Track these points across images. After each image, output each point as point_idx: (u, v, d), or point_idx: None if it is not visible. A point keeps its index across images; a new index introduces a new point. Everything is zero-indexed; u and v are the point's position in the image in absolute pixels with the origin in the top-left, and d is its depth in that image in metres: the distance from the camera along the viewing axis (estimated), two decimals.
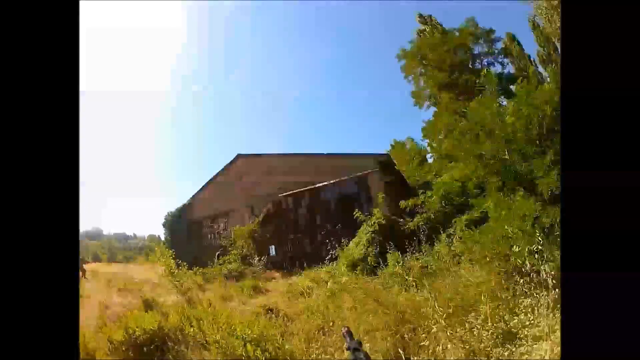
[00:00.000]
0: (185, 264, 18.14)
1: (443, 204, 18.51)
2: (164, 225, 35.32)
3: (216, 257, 26.31)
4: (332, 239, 20.77)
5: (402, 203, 19.96)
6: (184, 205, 34.43)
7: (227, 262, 25.01)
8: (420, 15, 37.77)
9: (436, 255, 14.13)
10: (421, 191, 20.42)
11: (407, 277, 12.56)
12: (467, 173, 17.16)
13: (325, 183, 24.84)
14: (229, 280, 20.27)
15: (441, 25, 36.77)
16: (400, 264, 13.99)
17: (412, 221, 18.60)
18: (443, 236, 15.54)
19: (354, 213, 19.91)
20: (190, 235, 31.96)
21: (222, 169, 31.71)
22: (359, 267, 16.46)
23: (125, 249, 68.75)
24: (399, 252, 14.95)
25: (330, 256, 20.24)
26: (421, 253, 14.92)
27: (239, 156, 30.70)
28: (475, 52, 35.33)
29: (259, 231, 26.89)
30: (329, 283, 14.94)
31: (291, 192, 26.51)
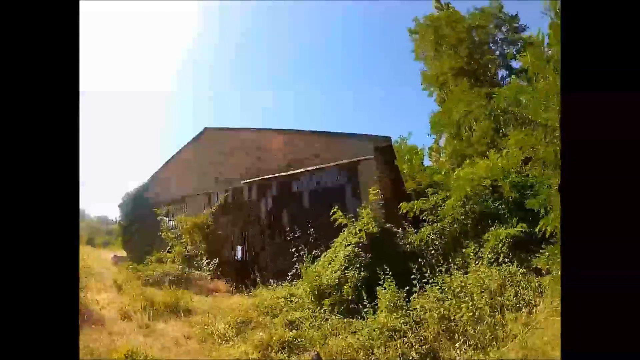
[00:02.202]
0: None
1: (467, 210, 11.96)
2: (119, 207, 28.37)
3: (167, 252, 19.65)
4: (300, 247, 13.89)
5: (404, 206, 13.34)
6: (142, 186, 27.37)
7: (166, 260, 18.58)
8: (437, 0, 31.22)
9: (462, 293, 8.13)
10: (431, 191, 13.98)
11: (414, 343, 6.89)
12: (509, 161, 11.80)
13: (300, 170, 17.65)
14: (161, 285, 14.45)
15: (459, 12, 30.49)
16: (400, 308, 8.20)
17: (416, 233, 12.18)
18: (471, 260, 9.51)
19: (332, 211, 13.07)
20: (143, 222, 24.49)
21: (186, 144, 24.79)
22: (327, 300, 9.98)
23: (107, 233, 61.75)
24: (397, 285, 8.73)
25: (296, 271, 13.53)
26: (435, 286, 8.72)
27: (206, 129, 23.74)
28: (497, 37, 29.35)
29: (210, 226, 19.72)
30: (256, 334, 8.49)
31: (254, 179, 19.39)
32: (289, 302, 11.05)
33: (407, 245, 11.64)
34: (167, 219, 22.21)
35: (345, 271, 10.51)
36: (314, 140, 17.95)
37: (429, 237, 11.76)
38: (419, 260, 10.04)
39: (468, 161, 16.77)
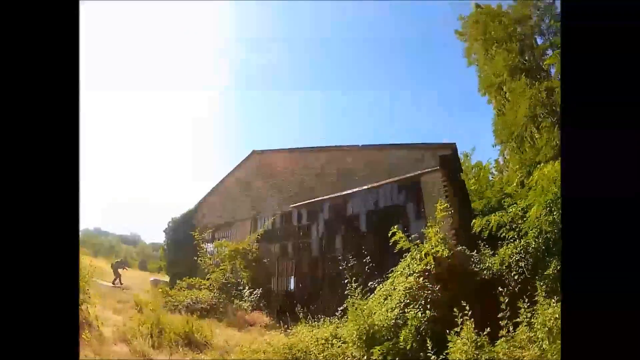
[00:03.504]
0: None
1: (554, 219, 8.75)
2: (164, 232, 27.41)
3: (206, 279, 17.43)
4: (356, 277, 10.86)
5: (478, 222, 10.39)
6: (189, 211, 26.24)
7: (200, 286, 16.49)
8: (478, 5, 27.80)
9: (557, 329, 5.57)
10: (508, 201, 11.94)
11: None
12: None
13: (354, 190, 15.05)
14: (192, 313, 12.34)
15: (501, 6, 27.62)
16: None
17: (494, 255, 9.36)
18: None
19: (391, 231, 10.29)
20: (187, 247, 22.38)
21: (234, 169, 23.03)
22: (378, 348, 7.21)
23: (160, 259, 62.78)
24: (475, 327, 6.06)
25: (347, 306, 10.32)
26: (524, 323, 6.05)
27: (254, 153, 21.76)
28: (542, 28, 25.64)
29: (254, 252, 17.35)
30: None
31: (304, 202, 16.96)
32: (329, 346, 8.45)
33: (485, 272, 8.83)
34: (208, 245, 20.38)
35: (406, 309, 7.78)
36: (367, 155, 15.49)
37: (511, 257, 8.85)
38: (500, 289, 7.29)
39: (542, 164, 13.50)
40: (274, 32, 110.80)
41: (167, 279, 25.32)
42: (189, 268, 20.46)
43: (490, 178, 26.37)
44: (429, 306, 7.55)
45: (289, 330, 11.22)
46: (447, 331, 6.20)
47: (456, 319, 6.06)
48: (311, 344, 8.66)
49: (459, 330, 5.87)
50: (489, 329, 5.81)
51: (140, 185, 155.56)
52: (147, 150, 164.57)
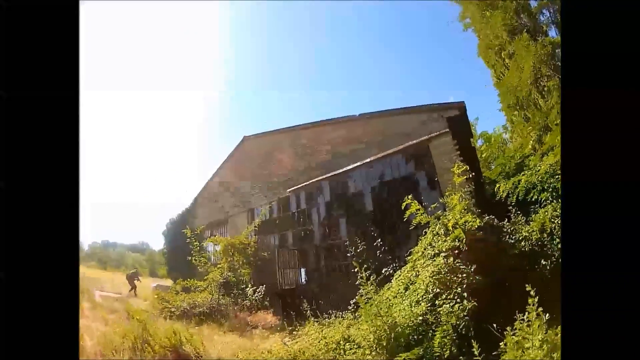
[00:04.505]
0: None
1: None
2: (162, 234, 26.15)
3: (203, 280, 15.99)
4: (366, 264, 9.12)
5: (502, 186, 8.98)
6: (185, 210, 24.80)
7: (196, 289, 14.91)
8: None
9: None
10: (534, 160, 10.57)
11: None
12: None
13: (355, 165, 13.29)
14: (190, 319, 11.63)
15: None
16: None
17: (528, 223, 7.69)
18: None
19: (405, 203, 8.19)
20: (186, 249, 20.52)
21: (227, 159, 21.18)
22: (403, 355, 5.32)
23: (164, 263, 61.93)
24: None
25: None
26: None
27: (245, 139, 19.80)
28: None
29: (252, 247, 15.85)
30: None
31: (301, 185, 15.26)
32: (341, 352, 6.66)
33: (523, 242, 7.03)
34: (205, 243, 18.79)
35: (436, 301, 6.02)
36: (367, 125, 13.55)
37: (552, 222, 7.13)
38: (543, 262, 6.17)
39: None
40: (274, 32, 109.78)
41: (170, 283, 23.75)
42: (191, 270, 18.95)
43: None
44: (465, 295, 5.72)
45: (294, 333, 9.65)
46: (494, 326, 4.50)
47: (509, 309, 4.34)
48: (319, 350, 6.93)
49: (517, 324, 4.12)
50: (547, 315, 4.09)
51: (143, 190, 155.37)
52: (148, 151, 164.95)
